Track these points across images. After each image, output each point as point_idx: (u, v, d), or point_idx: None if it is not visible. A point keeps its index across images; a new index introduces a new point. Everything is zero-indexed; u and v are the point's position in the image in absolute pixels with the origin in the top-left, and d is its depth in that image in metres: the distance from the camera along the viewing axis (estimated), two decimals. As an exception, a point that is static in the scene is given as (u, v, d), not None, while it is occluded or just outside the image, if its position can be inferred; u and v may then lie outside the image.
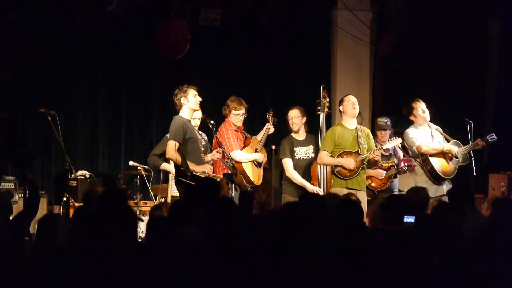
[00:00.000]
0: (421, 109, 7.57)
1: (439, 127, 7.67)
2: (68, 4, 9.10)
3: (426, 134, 7.56)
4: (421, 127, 7.58)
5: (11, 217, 5.16)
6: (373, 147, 7.22)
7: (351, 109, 7.18)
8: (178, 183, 6.81)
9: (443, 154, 7.45)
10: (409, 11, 9.81)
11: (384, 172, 7.53)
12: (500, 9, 9.82)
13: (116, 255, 3.90)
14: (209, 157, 6.92)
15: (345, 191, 6.73)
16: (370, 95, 10.03)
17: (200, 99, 6.91)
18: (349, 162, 7.01)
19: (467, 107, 9.78)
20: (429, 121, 7.65)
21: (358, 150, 7.07)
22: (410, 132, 7.56)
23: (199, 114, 7.19)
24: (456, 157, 7.45)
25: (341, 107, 7.26)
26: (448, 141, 7.57)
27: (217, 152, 6.93)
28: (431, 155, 7.44)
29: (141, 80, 9.65)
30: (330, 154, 7.09)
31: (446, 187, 7.41)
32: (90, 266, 3.83)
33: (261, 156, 7.59)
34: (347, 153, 7.07)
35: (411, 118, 7.62)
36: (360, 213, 4.67)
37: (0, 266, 3.86)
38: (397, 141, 7.39)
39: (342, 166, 7.03)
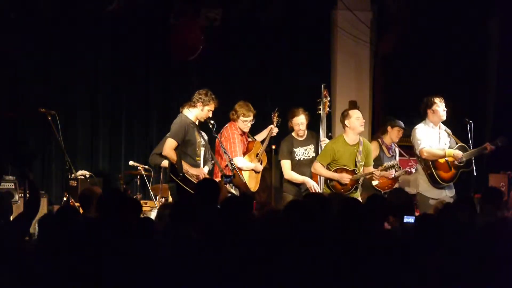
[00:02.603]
0: (442, 107, 7.37)
1: (448, 129, 7.50)
2: (68, 4, 9.11)
3: (433, 135, 7.38)
4: (432, 125, 7.38)
5: (11, 217, 5.16)
6: (370, 163, 7.14)
7: (359, 126, 7.02)
8: (170, 181, 6.83)
9: (445, 159, 7.26)
10: (409, 11, 9.80)
11: (394, 173, 7.35)
12: (500, 9, 9.82)
13: (116, 254, 3.90)
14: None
15: None
16: (370, 95, 10.03)
17: (210, 116, 7.00)
18: (344, 177, 6.94)
19: (467, 107, 9.77)
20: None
21: (354, 170, 7.00)
22: (418, 131, 7.36)
23: None
24: (460, 163, 7.26)
25: (347, 122, 7.04)
26: (456, 144, 7.40)
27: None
28: (433, 160, 7.27)
29: (141, 80, 9.64)
30: (325, 167, 7.04)
31: (449, 189, 7.34)
32: (90, 265, 3.84)
33: (260, 168, 7.58)
34: (343, 169, 7.01)
35: (429, 111, 7.38)
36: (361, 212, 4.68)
37: (0, 266, 3.86)
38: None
39: (337, 181, 6.97)
